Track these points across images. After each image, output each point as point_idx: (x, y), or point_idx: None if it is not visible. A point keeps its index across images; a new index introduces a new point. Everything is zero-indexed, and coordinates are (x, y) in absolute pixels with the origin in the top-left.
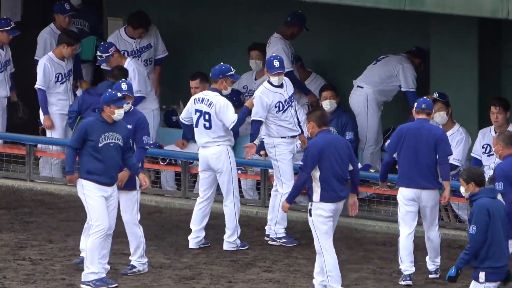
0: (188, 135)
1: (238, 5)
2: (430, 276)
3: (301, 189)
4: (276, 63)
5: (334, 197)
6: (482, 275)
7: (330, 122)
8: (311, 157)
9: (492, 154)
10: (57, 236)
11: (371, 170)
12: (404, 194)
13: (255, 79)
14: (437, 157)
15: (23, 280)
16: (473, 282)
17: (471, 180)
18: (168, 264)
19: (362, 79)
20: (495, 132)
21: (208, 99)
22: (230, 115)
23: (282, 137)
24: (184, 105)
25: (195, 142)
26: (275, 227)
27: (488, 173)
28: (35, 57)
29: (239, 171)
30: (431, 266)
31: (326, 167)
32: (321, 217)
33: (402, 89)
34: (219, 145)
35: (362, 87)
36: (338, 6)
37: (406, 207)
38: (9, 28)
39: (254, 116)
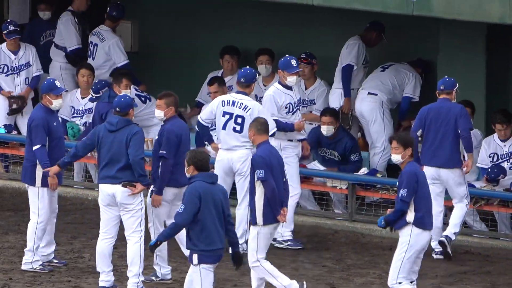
0: (204, 137)
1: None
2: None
3: None
4: (293, 63)
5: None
6: (195, 258)
7: (330, 145)
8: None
9: (502, 162)
10: (63, 238)
11: (378, 175)
12: (426, 173)
13: (264, 85)
14: (459, 131)
15: (29, 282)
16: (191, 266)
17: (192, 163)
18: (174, 268)
19: (373, 86)
20: (500, 140)
21: (243, 103)
22: (270, 122)
23: (289, 140)
24: (191, 107)
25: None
26: (282, 230)
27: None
28: None
29: None
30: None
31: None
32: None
33: (406, 95)
34: (246, 148)
35: (376, 94)
36: (344, 10)
37: (431, 187)
38: (5, 32)
39: (271, 117)
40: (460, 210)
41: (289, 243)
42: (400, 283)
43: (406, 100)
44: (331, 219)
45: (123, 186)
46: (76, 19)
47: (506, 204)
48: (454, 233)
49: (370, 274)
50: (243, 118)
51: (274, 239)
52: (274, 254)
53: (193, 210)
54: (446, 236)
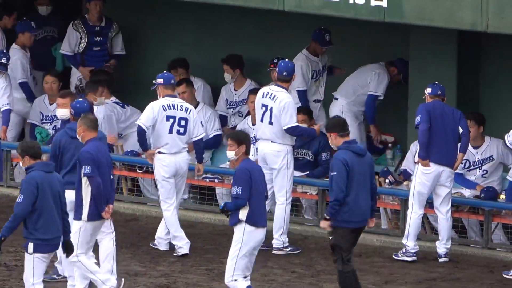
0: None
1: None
2: (441, 260)
3: None
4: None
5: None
6: (30, 246)
7: (303, 146)
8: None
9: (473, 169)
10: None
11: None
12: (432, 171)
13: (235, 90)
14: (462, 130)
15: None
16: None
17: (26, 154)
18: (144, 272)
19: (338, 91)
20: (473, 147)
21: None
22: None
23: (291, 145)
24: None
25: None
26: (282, 237)
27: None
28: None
29: (216, 180)
30: (442, 249)
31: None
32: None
33: (368, 93)
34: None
35: (337, 99)
36: (318, 17)
37: (423, 189)
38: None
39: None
40: (449, 220)
41: (289, 248)
42: (235, 280)
43: (369, 98)
44: (301, 224)
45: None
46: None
47: (476, 211)
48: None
49: None
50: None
51: (269, 246)
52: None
53: (32, 200)
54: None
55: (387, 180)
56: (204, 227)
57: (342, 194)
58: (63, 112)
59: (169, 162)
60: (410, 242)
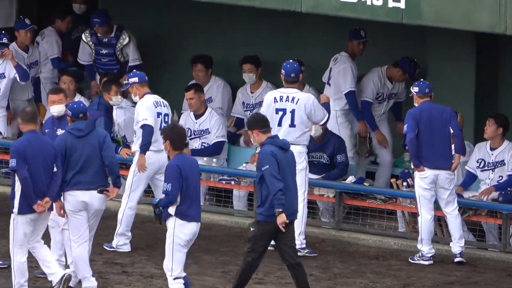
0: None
1: (228, 13)
2: (456, 260)
3: None
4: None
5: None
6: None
7: (318, 149)
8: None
9: (487, 170)
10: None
11: (365, 184)
12: (427, 177)
13: (251, 92)
14: (452, 132)
15: None
16: None
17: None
18: (159, 274)
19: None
20: (490, 148)
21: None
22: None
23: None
24: (179, 114)
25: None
26: (301, 237)
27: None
28: None
29: (232, 182)
30: (456, 248)
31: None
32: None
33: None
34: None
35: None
36: (334, 18)
37: (425, 192)
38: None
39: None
40: (457, 217)
41: (307, 250)
42: (176, 278)
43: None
44: (318, 227)
45: (99, 192)
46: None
47: (494, 214)
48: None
49: (357, 283)
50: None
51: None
52: (261, 262)
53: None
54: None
55: (404, 183)
56: (220, 229)
57: (280, 183)
58: (59, 109)
59: (155, 160)
60: (424, 247)
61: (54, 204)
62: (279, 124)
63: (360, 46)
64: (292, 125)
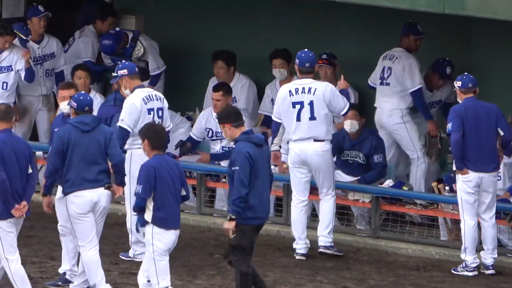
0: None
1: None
2: (487, 272)
3: None
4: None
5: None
6: None
7: (354, 146)
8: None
9: None
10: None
11: (404, 188)
12: (472, 180)
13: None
14: (501, 132)
15: None
16: None
17: None
18: (180, 286)
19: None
20: None
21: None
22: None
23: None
24: (201, 111)
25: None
26: (331, 234)
27: None
28: None
29: None
30: (489, 260)
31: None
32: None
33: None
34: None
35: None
36: (368, 9)
37: (468, 197)
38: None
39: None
40: (494, 228)
41: (336, 249)
42: (158, 283)
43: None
44: (353, 235)
45: (106, 188)
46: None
47: None
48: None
49: None
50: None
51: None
52: (291, 273)
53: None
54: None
55: (447, 187)
56: None
57: (245, 190)
58: (66, 106)
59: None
60: (468, 257)
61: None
62: (298, 119)
63: (418, 42)
64: (312, 117)
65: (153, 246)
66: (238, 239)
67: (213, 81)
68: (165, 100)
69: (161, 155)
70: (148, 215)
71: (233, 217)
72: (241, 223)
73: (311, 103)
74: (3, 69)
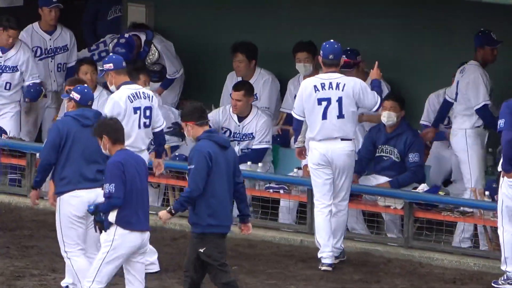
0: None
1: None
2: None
3: None
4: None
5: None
6: None
7: (389, 141)
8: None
9: None
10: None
11: (440, 193)
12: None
13: None
14: None
15: None
16: None
17: None
18: None
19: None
20: None
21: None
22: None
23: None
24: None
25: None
26: (339, 245)
27: None
28: None
29: (281, 191)
30: None
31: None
32: None
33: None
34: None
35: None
36: None
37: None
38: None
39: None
40: None
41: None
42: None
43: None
44: (383, 245)
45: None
46: None
47: None
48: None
49: None
50: (340, 99)
51: (326, 264)
52: (315, 286)
53: None
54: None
55: (487, 192)
56: (266, 247)
57: (197, 192)
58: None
59: None
60: (510, 268)
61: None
62: (324, 117)
63: (494, 52)
64: (340, 115)
65: (111, 248)
66: (206, 251)
67: (231, 76)
68: (154, 98)
69: (124, 150)
70: (112, 215)
71: (173, 211)
72: (204, 232)
73: (339, 100)
74: (7, 69)
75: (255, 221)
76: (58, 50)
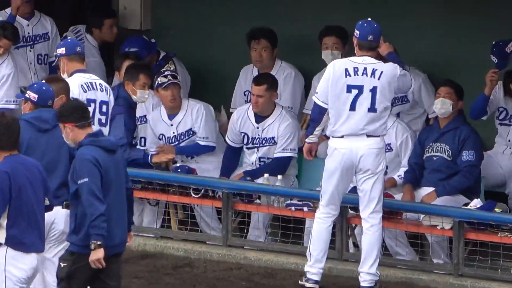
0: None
1: None
2: None
3: None
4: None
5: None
6: None
7: (441, 137)
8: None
9: None
10: None
11: (497, 209)
12: None
13: None
14: None
15: None
16: None
17: None
18: None
19: None
20: None
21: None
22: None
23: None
24: (227, 112)
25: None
26: (373, 270)
27: None
28: None
29: (305, 208)
30: None
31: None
32: None
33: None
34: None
35: None
36: None
37: None
38: None
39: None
40: None
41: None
42: None
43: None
44: (428, 272)
45: (65, 207)
46: None
47: None
48: None
49: None
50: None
51: None
52: None
53: None
54: None
55: None
56: (288, 277)
57: (103, 205)
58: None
59: None
60: None
61: None
62: (352, 107)
63: None
64: (372, 109)
65: (6, 273)
66: (69, 270)
67: (245, 71)
68: (112, 95)
69: (14, 156)
70: (1, 234)
71: (99, 243)
72: (78, 252)
73: (373, 90)
74: (38, 39)
75: (274, 245)
76: (38, 38)
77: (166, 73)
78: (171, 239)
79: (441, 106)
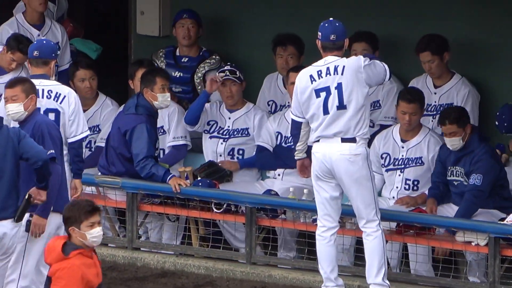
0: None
1: None
2: None
3: None
4: None
5: None
6: None
7: (458, 160)
8: None
9: None
10: None
11: None
12: None
13: None
14: None
15: None
16: None
17: None
18: None
19: None
20: None
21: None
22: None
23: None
24: None
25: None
26: (385, 279)
27: None
28: None
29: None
30: None
31: None
32: None
33: None
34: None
35: None
36: None
37: None
38: None
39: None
40: None
41: None
42: None
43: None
44: None
45: (17, 220)
46: None
47: None
48: None
49: None
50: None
51: None
52: None
53: None
54: None
55: None
56: None
57: None
58: (14, 109)
59: None
60: None
61: None
62: (326, 111)
63: None
64: (341, 106)
65: None
66: None
67: (270, 79)
68: (69, 100)
69: None
70: None
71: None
72: None
73: (339, 87)
74: None
75: (300, 262)
76: None
77: (225, 67)
78: (191, 257)
79: (452, 146)
